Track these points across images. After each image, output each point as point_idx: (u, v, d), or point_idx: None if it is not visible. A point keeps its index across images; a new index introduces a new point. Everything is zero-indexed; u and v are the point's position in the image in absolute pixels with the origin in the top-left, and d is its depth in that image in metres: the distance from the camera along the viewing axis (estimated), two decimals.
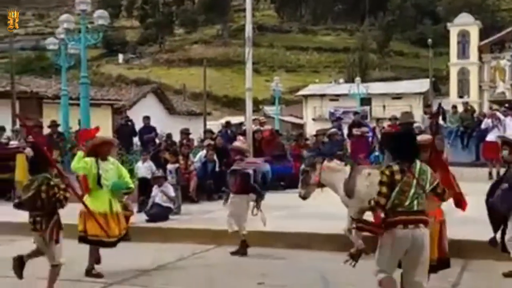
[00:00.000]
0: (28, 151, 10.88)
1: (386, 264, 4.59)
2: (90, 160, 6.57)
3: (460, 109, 19.06)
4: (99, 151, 6.65)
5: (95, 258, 6.70)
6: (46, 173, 5.71)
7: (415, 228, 4.48)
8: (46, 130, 14.96)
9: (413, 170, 4.56)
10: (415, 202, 4.51)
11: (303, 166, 7.84)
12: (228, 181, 8.02)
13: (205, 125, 31.05)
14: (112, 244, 6.65)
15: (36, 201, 5.57)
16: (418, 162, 4.63)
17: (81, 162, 6.55)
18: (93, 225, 6.44)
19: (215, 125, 28.52)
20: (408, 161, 4.60)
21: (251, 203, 7.80)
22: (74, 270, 6.51)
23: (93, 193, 6.59)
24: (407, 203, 4.50)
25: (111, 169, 6.75)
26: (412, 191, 4.51)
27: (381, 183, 4.61)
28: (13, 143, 13.56)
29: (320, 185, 7.63)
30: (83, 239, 6.56)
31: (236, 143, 8.30)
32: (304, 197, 7.78)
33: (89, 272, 6.61)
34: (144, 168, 11.16)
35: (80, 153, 6.67)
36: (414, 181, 4.53)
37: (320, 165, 7.54)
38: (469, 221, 7.22)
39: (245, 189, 7.70)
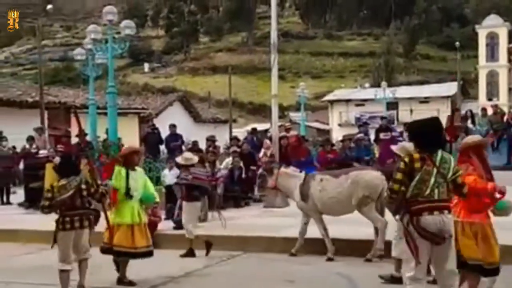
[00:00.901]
0: (57, 160, 11.01)
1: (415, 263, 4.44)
2: (123, 172, 6.59)
3: (490, 112, 18.75)
4: (129, 160, 6.69)
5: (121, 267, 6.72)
6: (78, 175, 5.90)
7: (440, 214, 4.41)
8: (73, 140, 15.15)
9: (434, 158, 4.47)
10: (436, 191, 4.43)
11: (260, 171, 8.33)
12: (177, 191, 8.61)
13: (230, 132, 31.14)
14: (140, 255, 6.62)
15: (75, 199, 5.77)
16: (440, 151, 4.53)
17: (120, 180, 6.57)
18: (119, 236, 6.46)
19: (240, 132, 28.59)
20: (428, 150, 4.51)
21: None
22: (102, 277, 6.56)
23: (121, 204, 6.59)
24: (427, 192, 4.42)
25: (140, 178, 6.79)
26: (432, 180, 4.43)
27: (397, 169, 4.53)
28: (43, 152, 13.77)
29: (275, 189, 8.12)
30: (108, 250, 6.57)
31: (180, 157, 8.72)
32: (260, 200, 8.06)
33: (121, 281, 6.61)
34: (171, 175, 11.19)
35: (118, 169, 6.66)
36: (435, 170, 4.44)
37: (277, 170, 7.97)
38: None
39: (191, 197, 8.18)
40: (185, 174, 8.17)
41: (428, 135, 4.56)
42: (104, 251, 6.60)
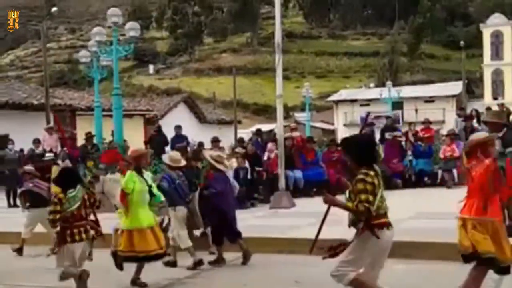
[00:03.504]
0: (67, 163, 11.08)
1: (359, 264, 4.66)
2: (135, 177, 6.55)
3: None
4: (139, 163, 6.67)
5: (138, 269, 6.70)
6: (81, 183, 6.03)
7: (391, 229, 4.52)
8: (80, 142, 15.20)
9: (379, 174, 4.52)
10: (386, 204, 4.51)
11: (89, 178, 9.12)
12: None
13: (235, 133, 31.16)
14: (158, 257, 6.57)
15: (81, 210, 5.90)
16: (376, 167, 4.56)
17: (131, 184, 6.50)
18: (139, 242, 6.38)
19: (245, 133, 28.59)
20: (371, 165, 4.49)
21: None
22: (112, 280, 6.56)
23: (136, 208, 6.50)
24: (383, 205, 4.48)
25: (148, 182, 6.77)
26: (384, 195, 4.49)
27: (366, 191, 4.37)
28: (49, 155, 13.80)
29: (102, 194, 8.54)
30: (130, 258, 6.50)
31: (27, 167, 9.76)
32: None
33: (134, 282, 6.58)
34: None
35: (131, 173, 6.59)
36: (381, 185, 4.51)
37: (104, 177, 8.75)
38: None
39: (39, 203, 9.14)
40: (28, 183, 9.35)
41: (369, 153, 4.57)
42: (126, 259, 6.52)
